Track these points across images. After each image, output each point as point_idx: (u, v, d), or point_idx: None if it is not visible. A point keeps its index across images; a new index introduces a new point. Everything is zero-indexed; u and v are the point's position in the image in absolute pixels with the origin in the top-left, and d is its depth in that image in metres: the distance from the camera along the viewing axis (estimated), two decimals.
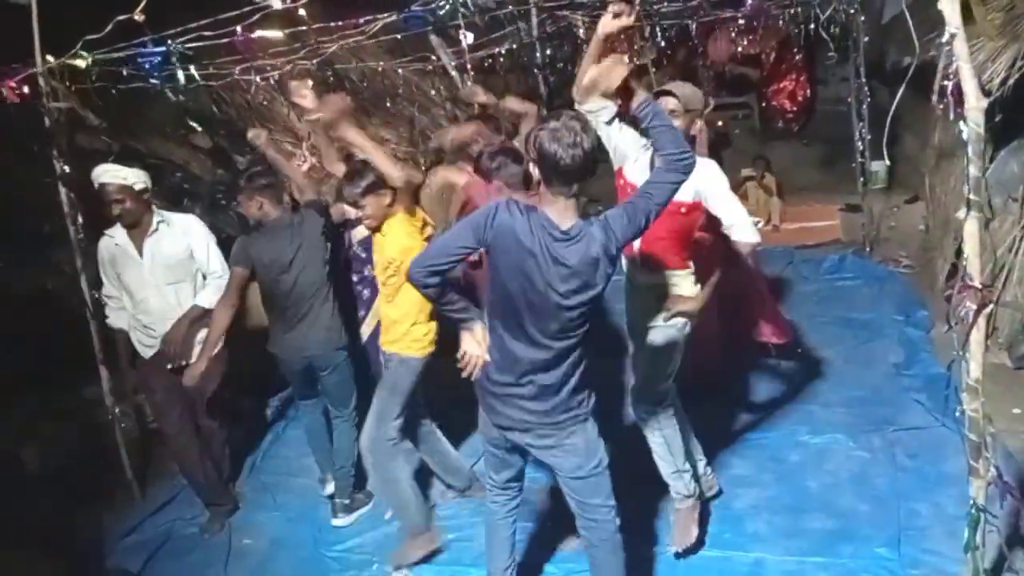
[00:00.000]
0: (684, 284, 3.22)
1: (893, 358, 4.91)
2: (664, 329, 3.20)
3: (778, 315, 4.60)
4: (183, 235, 3.86)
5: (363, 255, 4.00)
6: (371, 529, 3.87)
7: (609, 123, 3.11)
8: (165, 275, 3.79)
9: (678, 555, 3.34)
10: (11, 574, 3.52)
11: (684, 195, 2.87)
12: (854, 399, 4.47)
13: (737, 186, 8.29)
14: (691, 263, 3.24)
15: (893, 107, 2.76)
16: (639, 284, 3.28)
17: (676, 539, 3.33)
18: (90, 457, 4.30)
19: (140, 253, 3.77)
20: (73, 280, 4.10)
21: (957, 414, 2.52)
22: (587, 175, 2.42)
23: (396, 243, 3.36)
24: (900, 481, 3.70)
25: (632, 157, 3.18)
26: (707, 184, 3.06)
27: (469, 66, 6.82)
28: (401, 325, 3.43)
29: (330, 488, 4.05)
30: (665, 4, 5.93)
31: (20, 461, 4.21)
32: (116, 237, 3.79)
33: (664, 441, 3.29)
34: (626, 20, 2.76)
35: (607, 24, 2.79)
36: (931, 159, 5.96)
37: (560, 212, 2.43)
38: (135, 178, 3.69)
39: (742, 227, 3.11)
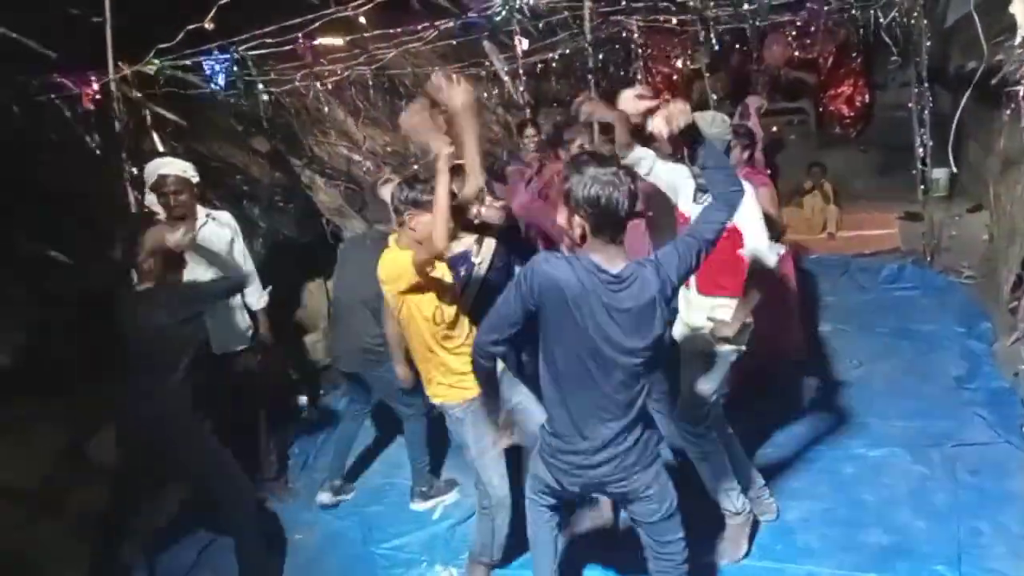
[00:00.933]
0: (728, 309, 3.23)
1: (954, 371, 4.77)
2: (709, 353, 3.26)
3: (800, 331, 4.52)
4: (226, 229, 4.01)
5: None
6: (419, 528, 3.92)
7: (648, 173, 3.29)
8: (210, 267, 3.89)
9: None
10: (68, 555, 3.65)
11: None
12: (912, 412, 4.35)
13: (792, 197, 8.18)
14: (740, 286, 3.21)
15: (958, 112, 2.70)
16: (691, 305, 3.34)
17: (727, 553, 3.39)
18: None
19: (193, 246, 3.88)
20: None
21: (1022, 429, 2.45)
22: (631, 218, 2.40)
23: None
24: (960, 498, 3.59)
25: (684, 191, 3.29)
26: (744, 206, 3.01)
27: (521, 71, 6.87)
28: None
29: (325, 497, 4.14)
30: (715, 8, 5.87)
31: (82, 455, 4.36)
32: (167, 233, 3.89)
33: (706, 460, 3.33)
34: (648, 103, 2.69)
35: (627, 102, 2.76)
36: (996, 167, 5.79)
37: (610, 257, 2.36)
38: (191, 171, 3.84)
39: (760, 252, 3.11)
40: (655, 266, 2.38)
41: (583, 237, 2.36)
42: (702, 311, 3.30)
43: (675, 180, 3.33)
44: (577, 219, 2.34)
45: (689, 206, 3.24)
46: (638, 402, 2.50)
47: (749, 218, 3.08)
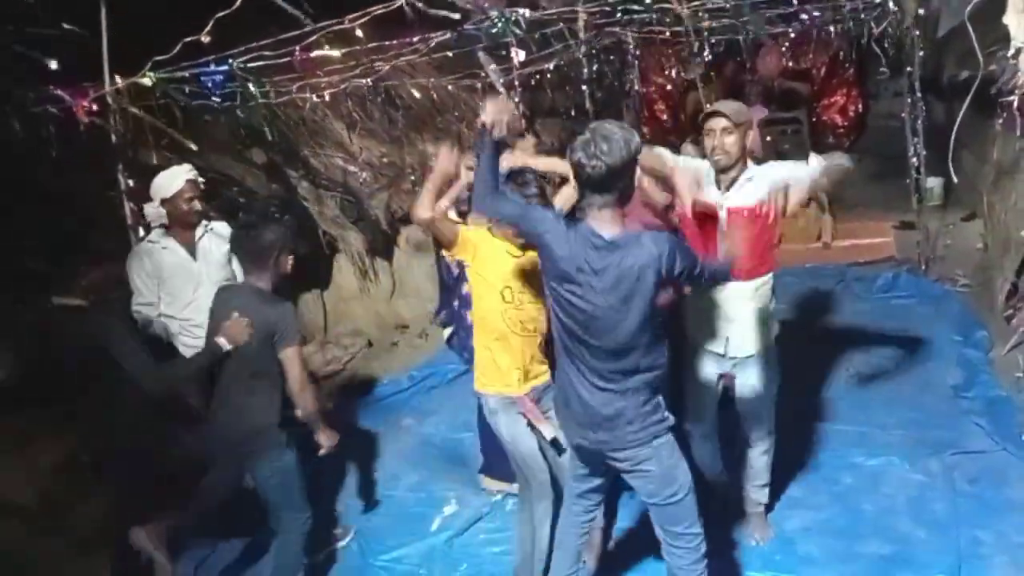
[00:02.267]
0: (768, 286, 3.25)
1: (951, 380, 4.77)
2: (766, 360, 3.28)
3: None
4: (223, 240, 3.96)
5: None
6: (417, 540, 3.88)
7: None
8: (214, 276, 3.88)
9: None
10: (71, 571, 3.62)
11: (746, 200, 3.09)
12: (910, 421, 4.35)
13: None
14: (775, 261, 3.29)
15: (957, 123, 2.71)
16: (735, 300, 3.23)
17: (757, 534, 3.54)
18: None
19: (193, 255, 3.87)
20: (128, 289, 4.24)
21: (1022, 438, 2.45)
22: (614, 187, 2.40)
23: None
24: (960, 507, 3.58)
25: (704, 179, 3.21)
26: (765, 178, 3.12)
27: (517, 82, 6.89)
28: None
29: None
30: (709, 20, 5.90)
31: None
32: (162, 242, 3.85)
33: (768, 460, 3.46)
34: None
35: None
36: (990, 176, 5.83)
37: (601, 221, 2.42)
38: (201, 179, 3.89)
39: (819, 167, 3.13)
40: (668, 240, 2.42)
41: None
42: (743, 298, 3.19)
43: (697, 171, 3.23)
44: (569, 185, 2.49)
45: (715, 194, 3.17)
46: (635, 376, 2.49)
47: (785, 171, 3.16)
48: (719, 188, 3.17)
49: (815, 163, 3.14)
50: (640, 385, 2.52)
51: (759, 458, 3.45)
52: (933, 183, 7.01)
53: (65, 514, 3.76)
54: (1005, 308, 5.19)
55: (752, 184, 3.11)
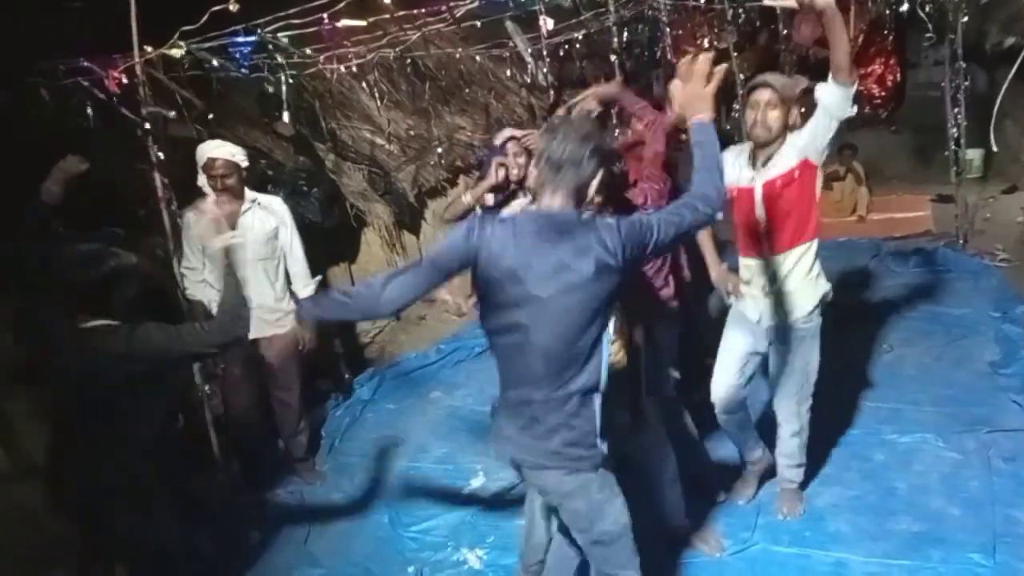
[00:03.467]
0: (809, 255, 3.16)
1: (988, 356, 4.67)
2: (806, 325, 3.21)
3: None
4: (272, 215, 4.04)
5: None
6: (446, 512, 3.92)
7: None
8: (256, 251, 3.96)
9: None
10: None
11: (789, 160, 3.02)
12: (945, 398, 4.27)
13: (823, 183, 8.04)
14: (817, 228, 3.17)
15: (1002, 91, 2.61)
16: (772, 268, 3.16)
17: (784, 509, 3.50)
18: (180, 435, 4.48)
19: (233, 229, 3.88)
20: (166, 264, 4.28)
21: None
22: (577, 177, 2.18)
23: None
24: (996, 485, 3.51)
25: (734, 165, 3.16)
26: (793, 145, 3.03)
27: (545, 52, 6.79)
28: None
29: None
30: None
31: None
32: (209, 212, 3.74)
33: (800, 442, 3.38)
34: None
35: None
36: None
37: (550, 207, 2.20)
38: (241, 156, 3.92)
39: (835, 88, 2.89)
40: (608, 225, 2.15)
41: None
42: (783, 268, 3.14)
43: (728, 167, 3.18)
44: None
45: (746, 176, 3.16)
46: (566, 386, 2.20)
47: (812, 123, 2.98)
48: (753, 165, 3.13)
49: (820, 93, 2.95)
50: (574, 407, 2.23)
51: (788, 440, 3.38)
52: (973, 155, 6.82)
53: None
54: None
55: (781, 155, 3.06)
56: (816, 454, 3.88)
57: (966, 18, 6.03)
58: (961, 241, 6.50)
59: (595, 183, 2.22)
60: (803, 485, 3.59)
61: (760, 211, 3.11)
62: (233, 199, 3.95)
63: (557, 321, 2.17)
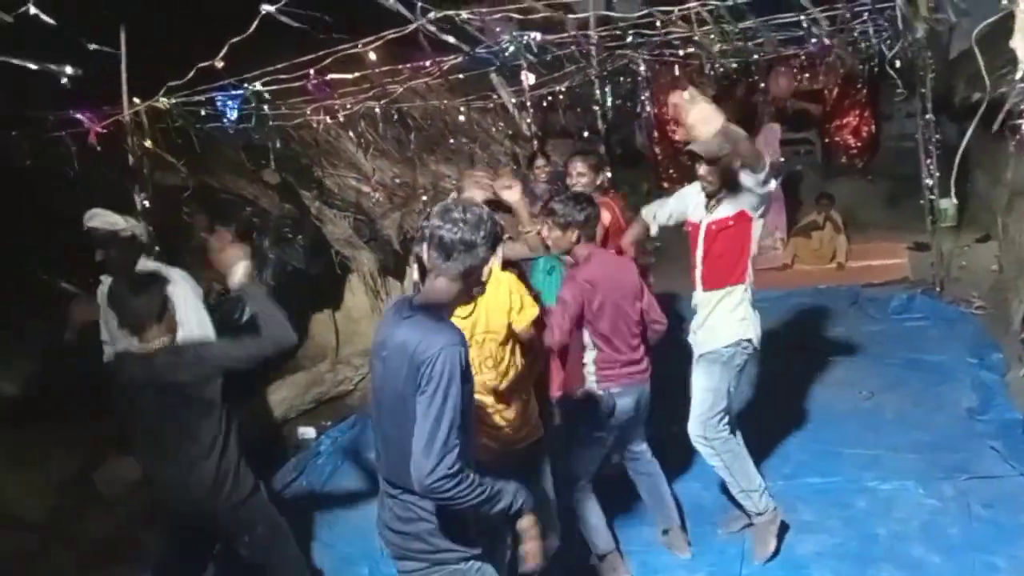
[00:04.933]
0: (731, 298, 3.44)
1: (966, 402, 4.72)
2: (717, 352, 3.47)
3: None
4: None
5: None
6: None
7: (668, 221, 3.71)
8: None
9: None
10: None
11: (729, 209, 3.38)
12: (924, 444, 4.31)
13: (800, 233, 8.20)
14: (744, 274, 3.47)
15: (963, 144, 2.71)
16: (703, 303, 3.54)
17: (756, 553, 3.53)
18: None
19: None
20: None
21: None
22: (458, 259, 2.11)
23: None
24: (975, 532, 3.53)
25: (692, 202, 3.60)
26: (732, 194, 3.36)
27: (529, 103, 6.94)
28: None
29: None
30: (720, 42, 5.93)
31: (91, 483, 4.36)
32: (105, 284, 3.56)
33: (724, 465, 3.51)
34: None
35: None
36: (1003, 197, 5.80)
37: (430, 290, 2.16)
38: (124, 224, 3.50)
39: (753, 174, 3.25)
40: (435, 342, 2.01)
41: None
42: (708, 306, 3.50)
43: (686, 204, 3.64)
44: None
45: (699, 214, 3.52)
46: (404, 479, 2.09)
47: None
48: (706, 207, 3.51)
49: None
50: (415, 500, 2.14)
51: (710, 463, 3.56)
52: (946, 204, 6.97)
53: (74, 528, 3.78)
54: (1021, 330, 5.13)
55: (725, 202, 3.41)
56: (798, 501, 3.92)
57: (934, 74, 6.23)
58: (937, 288, 6.61)
59: (487, 269, 2.16)
60: (782, 532, 3.58)
61: (700, 249, 3.49)
62: (124, 271, 3.40)
63: (392, 409, 2.13)
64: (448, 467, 1.96)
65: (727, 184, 3.37)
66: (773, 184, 3.36)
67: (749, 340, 3.47)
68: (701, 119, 2.93)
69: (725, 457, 3.50)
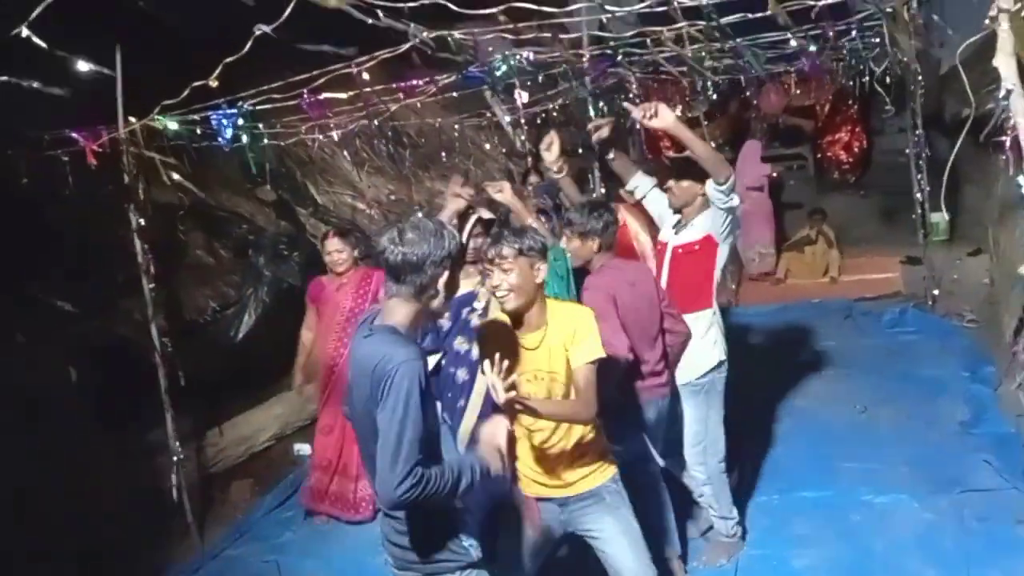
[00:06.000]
0: (700, 323, 3.41)
1: (959, 416, 4.74)
2: (698, 384, 3.44)
3: None
4: None
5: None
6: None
7: (644, 196, 3.69)
8: None
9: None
10: None
11: (695, 233, 3.38)
12: (918, 458, 4.31)
13: (794, 247, 8.26)
14: (714, 302, 3.46)
15: (952, 159, 2.74)
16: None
17: (707, 558, 3.63)
18: (153, 500, 4.42)
19: None
20: (140, 327, 4.30)
21: None
22: (409, 280, 2.11)
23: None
24: (969, 545, 3.53)
25: (666, 220, 3.61)
26: (701, 220, 3.38)
27: (523, 120, 6.98)
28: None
29: None
30: (711, 58, 5.99)
31: (86, 503, 4.34)
32: None
33: (714, 493, 3.53)
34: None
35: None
36: (995, 211, 5.84)
37: (387, 311, 2.16)
38: None
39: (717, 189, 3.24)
40: (394, 358, 2.00)
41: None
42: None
43: (662, 211, 3.65)
44: None
45: (668, 234, 3.54)
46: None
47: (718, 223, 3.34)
48: (674, 229, 3.51)
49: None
50: (411, 516, 2.18)
51: (700, 488, 3.57)
52: (938, 218, 7.02)
53: None
54: (1013, 343, 5.16)
55: (692, 226, 3.42)
56: (794, 515, 3.93)
57: (924, 90, 6.30)
58: (930, 302, 6.65)
59: (441, 281, 2.14)
60: (777, 545, 3.64)
61: (665, 272, 3.48)
62: None
63: (365, 428, 2.15)
64: (413, 479, 1.95)
65: (693, 200, 3.38)
66: (736, 200, 3.26)
67: (723, 361, 3.48)
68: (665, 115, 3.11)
69: (717, 485, 3.53)
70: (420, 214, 6.92)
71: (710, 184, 3.24)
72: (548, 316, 2.57)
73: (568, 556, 3.12)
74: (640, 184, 3.70)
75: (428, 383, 2.07)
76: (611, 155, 3.66)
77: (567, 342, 2.53)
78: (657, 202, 3.67)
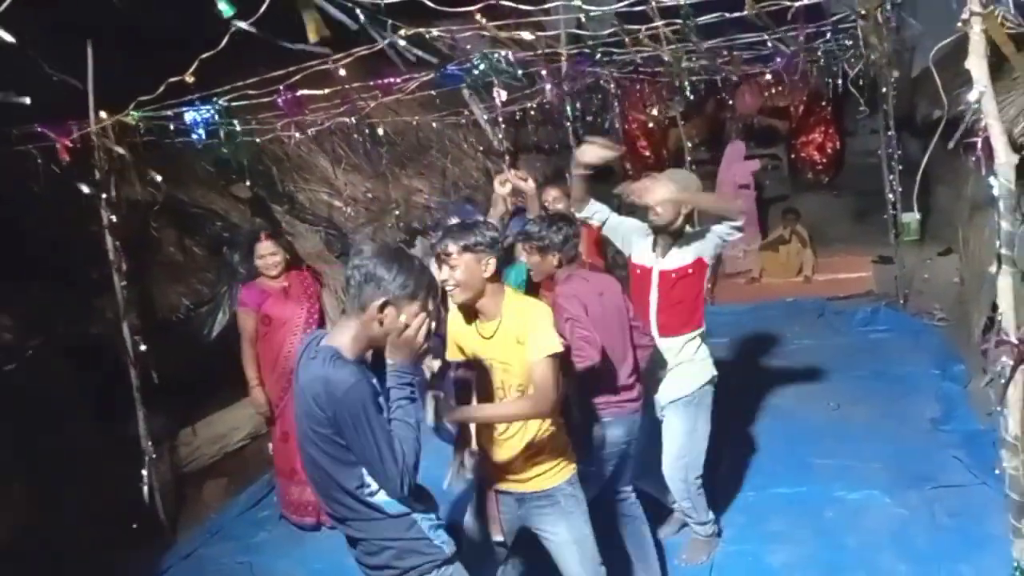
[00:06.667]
0: (694, 343, 3.41)
1: (930, 413, 4.82)
2: (690, 396, 3.42)
3: None
4: None
5: None
6: None
7: (603, 224, 3.56)
8: None
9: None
10: None
11: (686, 256, 3.32)
12: (890, 455, 4.38)
13: (768, 247, 8.34)
14: (702, 320, 3.46)
15: (925, 160, 2.78)
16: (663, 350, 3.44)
17: (687, 556, 3.65)
18: (125, 499, 4.35)
19: None
20: (111, 324, 4.23)
21: (997, 472, 2.47)
22: (357, 300, 2.11)
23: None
24: (941, 541, 3.60)
25: (637, 243, 3.50)
26: (693, 242, 3.35)
27: (500, 119, 6.98)
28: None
29: None
30: (688, 60, 6.04)
31: (56, 501, 4.27)
32: None
33: (692, 505, 3.54)
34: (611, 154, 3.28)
35: (587, 154, 3.20)
36: (964, 211, 5.93)
37: (337, 329, 2.18)
38: None
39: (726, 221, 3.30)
40: (342, 381, 2.00)
41: None
42: (671, 352, 3.42)
43: (627, 235, 3.54)
44: None
45: (648, 257, 3.43)
46: (354, 507, 2.15)
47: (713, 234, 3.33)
48: (654, 250, 3.42)
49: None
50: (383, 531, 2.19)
51: (680, 504, 3.60)
52: (909, 218, 7.12)
53: None
54: (982, 341, 5.25)
55: (679, 249, 3.35)
56: (769, 512, 3.97)
57: (896, 92, 6.38)
58: (901, 301, 6.75)
59: (392, 313, 2.09)
60: (752, 542, 3.69)
61: (654, 295, 3.38)
62: None
63: (302, 433, 2.15)
64: (407, 470, 2.03)
65: (677, 219, 3.30)
66: (740, 234, 3.36)
67: (714, 375, 3.50)
68: (660, 190, 3.13)
69: (695, 498, 3.54)
70: (396, 212, 6.90)
71: (727, 226, 3.26)
72: (504, 307, 2.61)
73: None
74: (598, 211, 3.54)
75: (377, 395, 2.09)
76: (578, 172, 3.42)
77: (519, 335, 2.56)
78: (619, 226, 3.55)
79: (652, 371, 3.40)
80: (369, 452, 2.02)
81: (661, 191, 3.18)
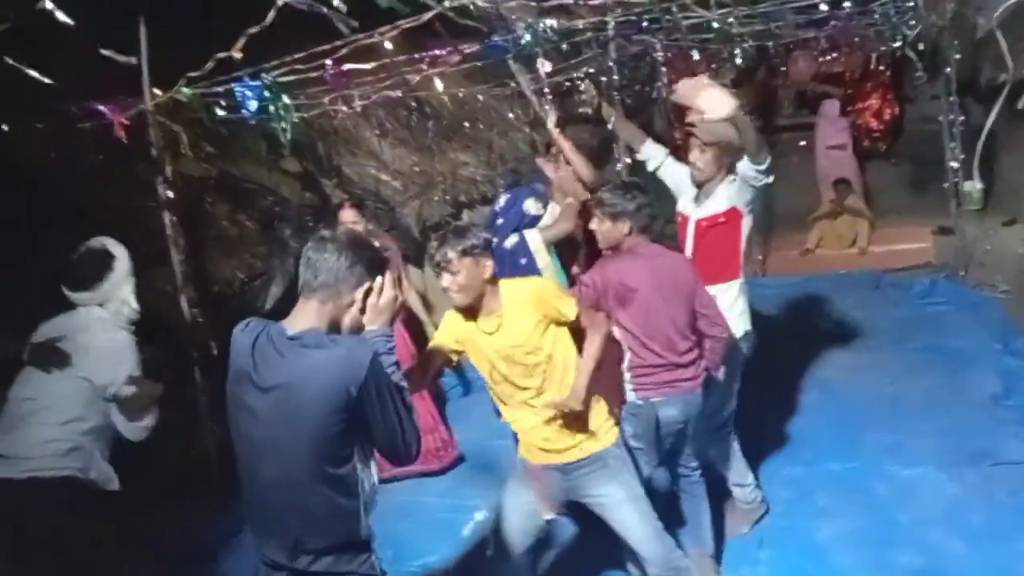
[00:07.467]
0: (729, 294, 3.37)
1: (990, 388, 4.67)
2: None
3: None
4: None
5: None
6: (449, 547, 3.91)
7: (656, 170, 3.66)
8: None
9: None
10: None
11: (719, 205, 3.36)
12: (947, 430, 4.27)
13: (818, 219, 8.14)
14: (741, 272, 3.46)
15: (987, 126, 2.68)
16: None
17: (728, 528, 3.61)
18: (184, 467, 4.50)
19: None
20: (169, 298, 4.35)
21: None
22: (325, 284, 2.08)
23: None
24: (999, 519, 3.50)
25: (684, 191, 3.56)
26: (725, 190, 3.37)
27: (547, 90, 6.91)
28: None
29: None
30: (740, 26, 5.87)
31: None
32: None
33: (729, 459, 3.55)
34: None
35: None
36: None
37: (299, 312, 2.11)
38: None
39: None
40: (359, 351, 1.96)
41: None
42: None
43: (679, 181, 3.59)
44: None
45: (689, 207, 3.50)
46: (304, 500, 2.01)
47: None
48: (695, 201, 3.47)
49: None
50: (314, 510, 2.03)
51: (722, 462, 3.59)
52: (971, 187, 6.87)
53: None
54: None
55: (714, 197, 3.39)
56: (818, 486, 3.92)
57: (959, 55, 6.13)
58: (961, 273, 6.53)
59: (357, 295, 2.08)
60: (801, 516, 3.66)
61: (690, 245, 3.46)
62: None
63: (282, 454, 2.01)
64: (417, 436, 2.07)
65: (718, 173, 3.35)
66: (771, 177, 3.29)
67: (748, 331, 3.47)
68: (712, 102, 2.94)
69: (726, 453, 3.54)
70: (442, 186, 6.93)
71: (746, 163, 3.23)
72: (502, 298, 2.70)
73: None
74: (653, 154, 3.68)
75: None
76: (611, 121, 3.67)
77: (525, 312, 2.67)
78: (673, 173, 3.63)
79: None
80: (390, 420, 1.99)
81: (726, 103, 3.10)
